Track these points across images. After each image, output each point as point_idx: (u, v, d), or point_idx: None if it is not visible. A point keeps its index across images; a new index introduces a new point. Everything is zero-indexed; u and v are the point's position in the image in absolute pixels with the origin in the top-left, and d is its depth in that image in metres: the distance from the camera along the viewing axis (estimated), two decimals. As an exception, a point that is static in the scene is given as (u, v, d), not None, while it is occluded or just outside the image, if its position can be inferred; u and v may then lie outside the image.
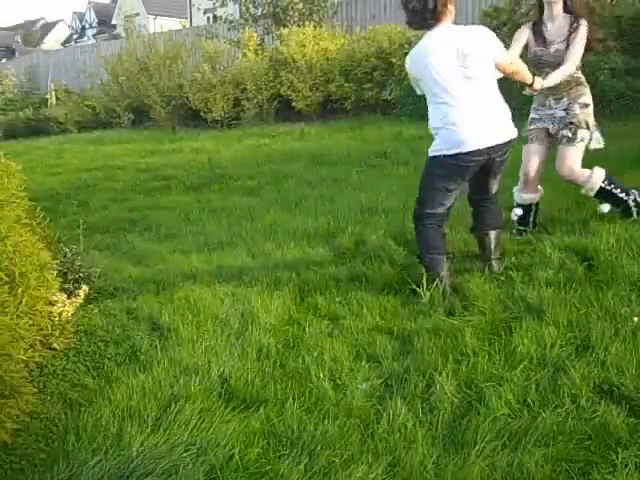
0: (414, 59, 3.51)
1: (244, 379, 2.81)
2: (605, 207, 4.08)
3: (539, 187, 4.24)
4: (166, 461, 2.27)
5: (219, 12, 16.57)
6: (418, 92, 3.66)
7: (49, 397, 2.80)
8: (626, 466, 2.10)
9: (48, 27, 54.09)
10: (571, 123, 3.98)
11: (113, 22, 41.35)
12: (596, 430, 2.27)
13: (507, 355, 2.80)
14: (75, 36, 50.66)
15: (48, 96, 17.72)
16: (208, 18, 22.93)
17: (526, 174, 4.16)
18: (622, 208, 4.06)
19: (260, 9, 14.24)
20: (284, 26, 13.09)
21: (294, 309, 3.53)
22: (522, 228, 4.26)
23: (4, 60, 29.79)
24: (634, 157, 5.47)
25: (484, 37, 3.44)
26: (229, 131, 12.01)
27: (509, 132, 3.51)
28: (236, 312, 3.51)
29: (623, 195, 4.04)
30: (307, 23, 12.84)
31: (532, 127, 4.17)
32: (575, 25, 3.92)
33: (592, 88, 4.15)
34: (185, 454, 2.32)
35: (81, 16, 52.23)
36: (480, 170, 3.52)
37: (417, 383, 2.69)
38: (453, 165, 3.46)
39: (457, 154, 3.41)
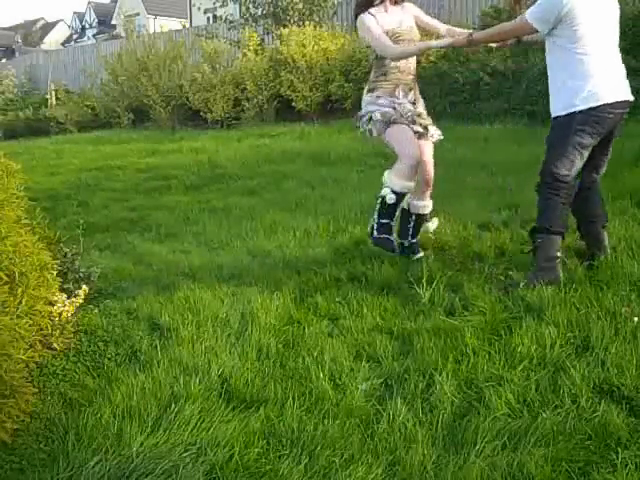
0: None
1: (244, 379, 2.81)
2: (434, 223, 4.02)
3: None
4: (166, 461, 2.27)
5: (219, 12, 16.54)
6: (543, 28, 3.32)
7: (49, 397, 2.80)
8: (626, 466, 2.10)
9: (48, 27, 54.03)
10: (420, 117, 3.83)
11: (113, 22, 41.33)
12: (596, 430, 2.27)
13: (507, 355, 2.80)
14: (75, 36, 50.66)
15: (48, 96, 17.67)
16: (208, 18, 22.88)
17: (413, 156, 3.68)
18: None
19: (260, 9, 14.22)
20: (284, 26, 13.08)
21: (294, 309, 3.53)
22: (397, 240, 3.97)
23: (4, 60, 29.78)
24: (634, 157, 5.46)
25: None
26: (229, 131, 12.00)
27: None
28: (236, 312, 3.51)
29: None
30: (307, 23, 12.82)
31: (386, 109, 3.78)
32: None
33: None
34: (185, 454, 2.32)
35: (81, 16, 52.21)
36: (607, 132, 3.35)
37: (417, 383, 2.69)
38: (595, 117, 3.27)
39: (600, 106, 3.26)
